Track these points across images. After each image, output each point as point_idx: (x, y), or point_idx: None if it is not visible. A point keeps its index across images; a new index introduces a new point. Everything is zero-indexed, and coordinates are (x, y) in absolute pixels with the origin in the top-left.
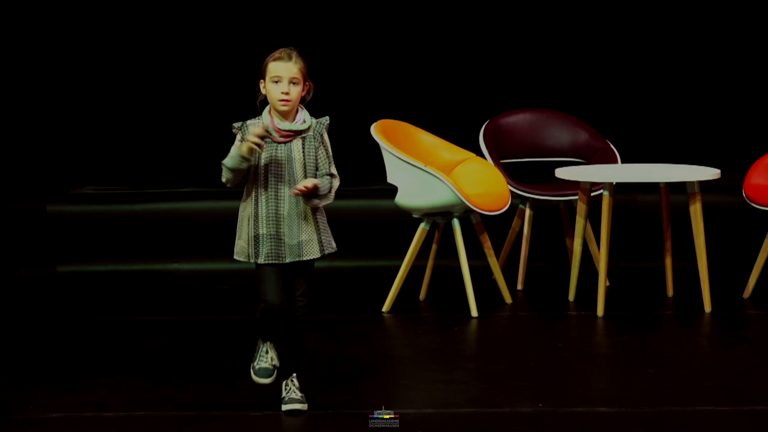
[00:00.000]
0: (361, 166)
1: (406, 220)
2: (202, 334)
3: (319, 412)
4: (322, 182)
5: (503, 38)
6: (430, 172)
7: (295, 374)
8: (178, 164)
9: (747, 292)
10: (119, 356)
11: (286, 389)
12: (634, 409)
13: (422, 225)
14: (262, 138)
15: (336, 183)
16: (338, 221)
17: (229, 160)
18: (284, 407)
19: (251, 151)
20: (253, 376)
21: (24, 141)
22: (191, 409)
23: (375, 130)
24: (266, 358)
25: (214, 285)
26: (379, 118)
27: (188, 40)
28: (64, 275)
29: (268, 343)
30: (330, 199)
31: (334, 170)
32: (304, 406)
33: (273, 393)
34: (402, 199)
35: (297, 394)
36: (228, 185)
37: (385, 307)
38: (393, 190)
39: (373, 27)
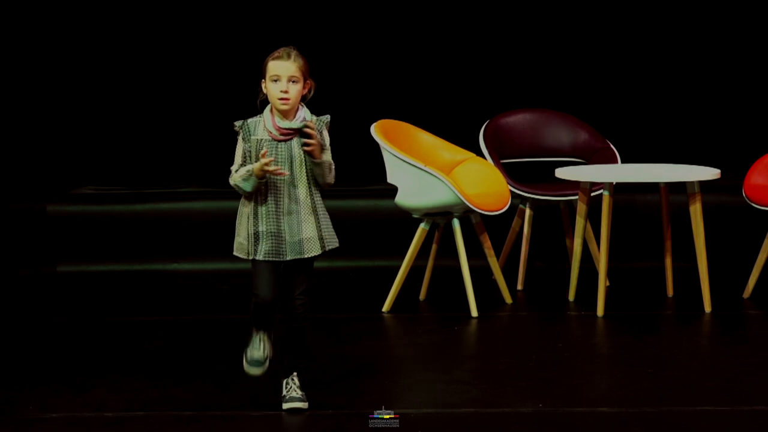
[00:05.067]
0: (361, 166)
1: (406, 220)
2: (202, 334)
3: (319, 412)
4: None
5: (503, 38)
6: (430, 172)
7: (296, 373)
8: (178, 164)
9: (747, 292)
10: (119, 356)
11: (286, 388)
12: (634, 409)
13: (422, 225)
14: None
15: (333, 167)
16: (338, 221)
17: (247, 185)
18: (285, 406)
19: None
20: (245, 364)
21: (24, 141)
22: (191, 409)
23: (375, 130)
24: (259, 347)
25: (214, 285)
26: (379, 118)
27: (188, 40)
28: (64, 275)
29: (263, 332)
30: (327, 170)
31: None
32: (304, 405)
33: (273, 392)
34: (402, 199)
35: (297, 393)
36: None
37: (385, 307)
38: (393, 190)
39: (374, 27)
